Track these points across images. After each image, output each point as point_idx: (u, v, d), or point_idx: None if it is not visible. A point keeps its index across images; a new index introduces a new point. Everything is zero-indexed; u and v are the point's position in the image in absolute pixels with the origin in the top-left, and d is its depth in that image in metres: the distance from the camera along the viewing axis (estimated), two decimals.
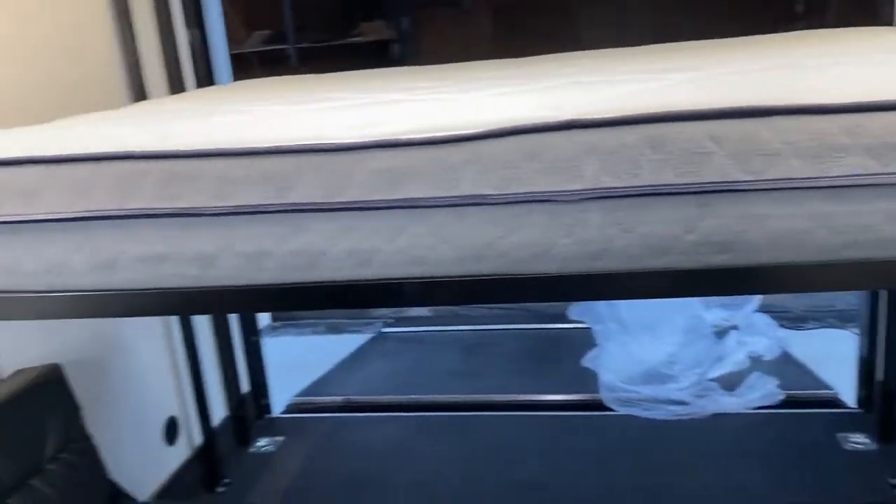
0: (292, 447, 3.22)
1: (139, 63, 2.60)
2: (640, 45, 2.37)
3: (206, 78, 3.01)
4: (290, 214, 1.16)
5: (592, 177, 1.07)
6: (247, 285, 1.21)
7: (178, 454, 2.88)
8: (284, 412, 3.57)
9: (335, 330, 5.38)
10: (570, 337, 4.30)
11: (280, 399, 3.61)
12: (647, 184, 1.05)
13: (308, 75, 2.78)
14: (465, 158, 1.10)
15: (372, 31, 8.36)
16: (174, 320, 2.87)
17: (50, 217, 1.23)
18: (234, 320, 3.27)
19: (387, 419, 3.44)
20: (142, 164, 1.20)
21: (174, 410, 2.87)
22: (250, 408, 3.36)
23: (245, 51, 6.05)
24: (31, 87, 2.19)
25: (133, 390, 2.64)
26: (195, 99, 2.02)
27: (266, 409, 3.47)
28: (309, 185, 1.15)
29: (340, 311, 5.35)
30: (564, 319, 4.36)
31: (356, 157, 1.13)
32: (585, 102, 1.16)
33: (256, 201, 1.16)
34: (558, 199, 1.08)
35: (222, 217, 1.18)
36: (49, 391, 1.94)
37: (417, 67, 2.58)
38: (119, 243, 1.22)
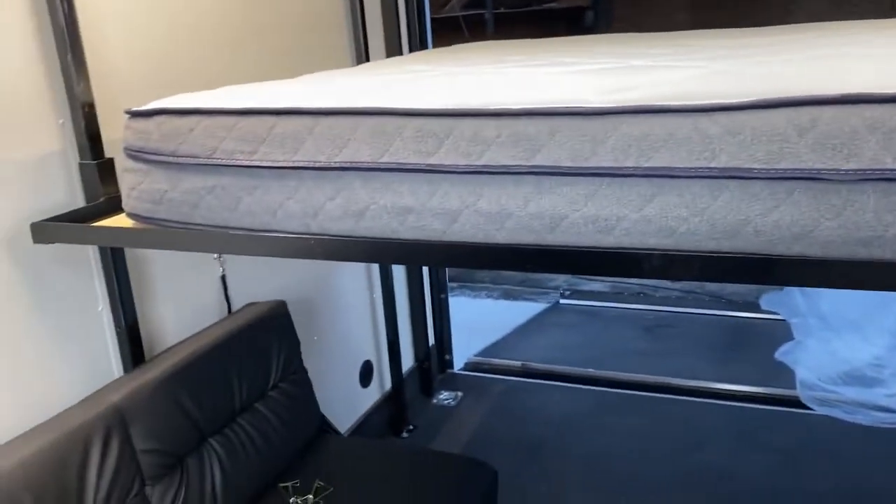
0: (472, 403, 3.32)
1: (365, 28, 2.73)
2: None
3: (419, 42, 3.10)
4: (535, 176, 1.18)
5: (871, 156, 0.99)
6: (483, 243, 1.24)
7: (370, 396, 3.06)
8: (464, 369, 3.68)
9: (510, 296, 5.46)
10: (761, 327, 4.08)
11: (458, 356, 3.73)
12: None
13: (520, 40, 2.79)
14: (725, 129, 1.06)
15: None
16: (375, 271, 3.04)
17: (311, 165, 1.33)
18: (425, 276, 3.41)
19: (564, 389, 3.45)
20: (398, 120, 1.26)
21: (370, 355, 3.05)
22: (434, 361, 3.49)
23: (443, 15, 6.17)
24: (276, 51, 2.37)
25: (337, 332, 2.83)
26: (421, 60, 2.08)
27: (448, 363, 3.60)
28: (558, 149, 1.15)
29: (517, 278, 5.41)
30: (756, 308, 4.13)
31: (610, 122, 1.12)
32: (858, 77, 1.07)
33: (504, 162, 1.19)
34: (830, 177, 1.01)
35: (469, 175, 1.22)
36: (276, 324, 2.13)
37: (625, 35, 2.50)
38: (371, 193, 1.30)
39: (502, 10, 6.88)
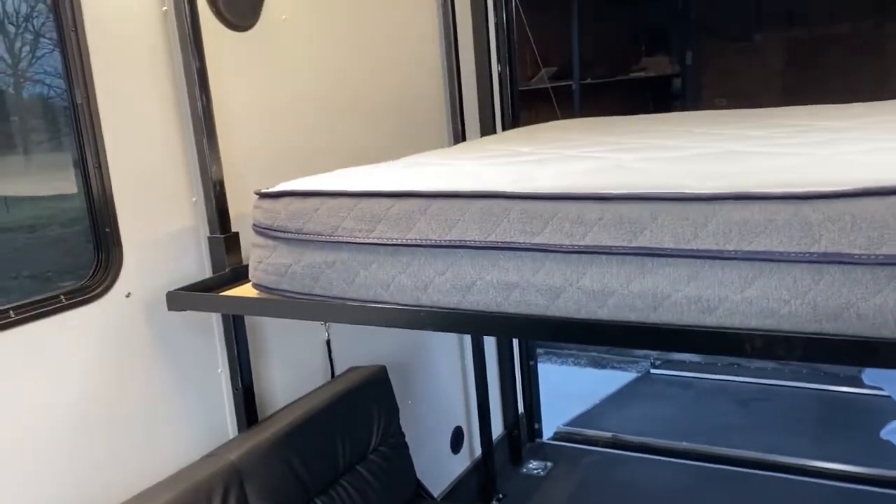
0: (562, 474, 3.30)
1: (462, 108, 2.89)
2: None
3: (511, 117, 3.24)
4: (638, 257, 1.24)
5: None
6: (587, 319, 1.31)
7: (461, 463, 3.10)
8: (553, 438, 3.67)
9: (597, 364, 5.41)
10: (863, 403, 3.91)
11: (546, 424, 3.72)
12: None
13: (612, 117, 2.87)
14: (825, 216, 1.10)
15: (654, 66, 8.32)
16: (467, 338, 3.11)
17: (423, 243, 1.44)
18: (514, 344, 3.45)
19: (657, 462, 3.39)
20: (505, 203, 1.36)
21: (460, 421, 3.10)
22: (523, 429, 3.50)
23: (530, 87, 6.36)
24: (381, 132, 2.55)
25: (429, 397, 2.90)
26: (520, 140, 2.20)
27: (537, 432, 3.60)
28: (660, 231, 1.22)
29: (603, 346, 5.37)
30: (857, 383, 3.98)
31: (710, 206, 1.18)
32: None
33: (607, 242, 1.26)
34: None
35: (573, 254, 1.29)
36: (377, 389, 2.23)
37: (717, 112, 2.55)
38: (478, 270, 1.39)
39: (589, 80, 7.04)
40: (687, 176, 1.28)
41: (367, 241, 1.49)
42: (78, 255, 1.84)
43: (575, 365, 5.44)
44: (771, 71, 8.86)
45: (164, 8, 1.81)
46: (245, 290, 1.78)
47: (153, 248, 1.81)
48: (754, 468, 3.28)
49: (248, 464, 1.76)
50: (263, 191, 1.65)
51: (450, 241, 1.41)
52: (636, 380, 4.62)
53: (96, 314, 1.68)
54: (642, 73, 8.22)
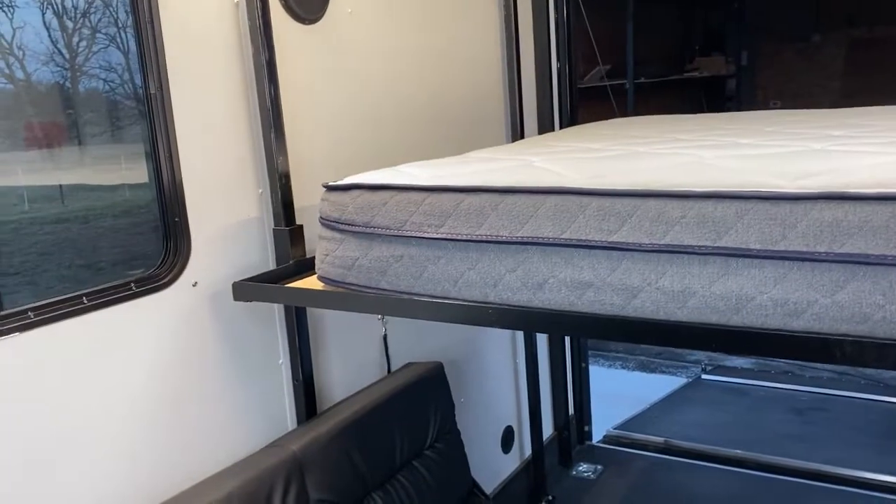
0: (612, 478, 3.25)
1: (522, 105, 2.86)
2: None
3: (570, 116, 3.20)
4: (722, 257, 1.20)
5: None
6: (665, 320, 1.27)
7: (511, 463, 3.08)
8: (603, 441, 3.62)
9: (646, 367, 5.34)
10: None
11: (596, 427, 3.67)
12: None
13: (673, 115, 2.82)
14: None
15: (709, 66, 8.17)
16: (519, 336, 3.09)
17: (493, 239, 1.42)
18: (566, 344, 3.41)
19: (712, 470, 3.32)
20: (581, 199, 1.33)
21: (511, 421, 3.08)
22: (573, 431, 3.46)
23: (583, 86, 6.29)
24: (441, 127, 2.54)
25: (482, 395, 2.89)
26: (584, 137, 2.16)
27: (587, 434, 3.56)
28: (746, 231, 1.18)
29: (654, 350, 5.29)
30: None
31: (801, 206, 1.14)
32: None
33: (689, 242, 1.23)
34: None
35: (652, 253, 1.26)
36: (433, 385, 2.22)
37: (786, 112, 2.48)
38: (550, 267, 1.36)
39: (643, 79, 6.94)
40: (774, 174, 1.24)
41: (436, 235, 1.48)
42: (131, 246, 1.88)
43: (623, 368, 5.36)
44: (829, 72, 8.63)
45: (235, 0, 1.83)
46: (309, 283, 1.79)
47: (219, 238, 1.83)
48: (814, 480, 3.19)
49: (309, 456, 1.76)
50: (331, 183, 1.64)
51: (522, 237, 1.39)
52: (687, 385, 4.53)
53: (165, 302, 1.70)
54: (696, 74, 8.09)
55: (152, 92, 1.67)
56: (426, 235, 1.49)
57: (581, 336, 2.63)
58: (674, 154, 1.55)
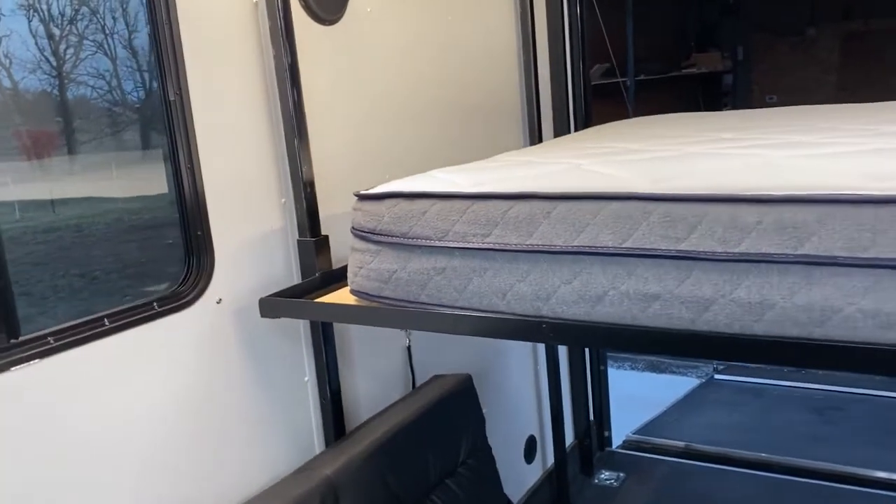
0: (636, 486, 3.17)
1: (539, 108, 2.77)
2: None
3: (584, 118, 3.11)
4: (804, 266, 1.12)
5: None
6: (740, 334, 1.19)
7: (534, 473, 2.99)
8: (623, 447, 3.54)
9: (655, 368, 5.25)
10: None
11: (615, 432, 3.59)
12: None
13: (695, 113, 2.76)
14: None
15: (705, 62, 8.12)
16: (541, 345, 3.00)
17: (546, 249, 1.33)
18: (585, 349, 3.33)
19: (734, 474, 3.24)
20: (644, 205, 1.25)
21: (533, 430, 2.99)
22: (594, 437, 3.38)
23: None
24: (461, 132, 2.45)
25: (504, 405, 2.80)
26: (612, 137, 2.08)
27: (607, 440, 3.48)
28: (830, 238, 1.10)
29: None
30: None
31: (892, 210, 1.06)
32: None
33: (766, 250, 1.14)
34: None
35: (726, 263, 1.18)
36: (463, 399, 2.12)
37: (828, 106, 2.40)
38: (611, 279, 1.27)
39: (642, 76, 6.88)
40: (857, 175, 1.16)
41: (481, 246, 1.39)
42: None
43: (632, 369, 5.28)
44: (825, 66, 8.60)
45: (255, 0, 1.73)
46: (338, 297, 1.69)
47: (243, 251, 1.73)
48: (836, 481, 3.12)
49: (343, 479, 1.67)
50: (364, 192, 1.55)
51: (578, 247, 1.30)
52: (701, 386, 4.46)
53: (188, 321, 1.60)
54: (693, 70, 8.03)
55: (171, 98, 1.57)
56: (471, 246, 1.40)
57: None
58: (737, 155, 1.46)
